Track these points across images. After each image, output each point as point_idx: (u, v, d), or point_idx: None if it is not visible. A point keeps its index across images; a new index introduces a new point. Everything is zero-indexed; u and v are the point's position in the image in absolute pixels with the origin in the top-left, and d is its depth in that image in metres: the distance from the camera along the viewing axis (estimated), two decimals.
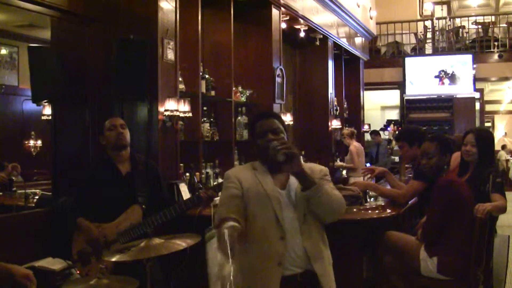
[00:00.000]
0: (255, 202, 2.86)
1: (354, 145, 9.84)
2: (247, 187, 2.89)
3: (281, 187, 2.92)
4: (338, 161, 10.45)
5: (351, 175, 9.65)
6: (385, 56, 16.81)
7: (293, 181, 2.90)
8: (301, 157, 3.11)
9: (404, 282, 4.32)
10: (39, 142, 7.21)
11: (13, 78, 7.86)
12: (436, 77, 15.92)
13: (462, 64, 15.89)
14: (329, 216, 2.90)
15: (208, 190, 4.06)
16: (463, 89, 15.86)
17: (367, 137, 12.88)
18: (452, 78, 15.85)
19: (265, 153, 2.85)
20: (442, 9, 19.03)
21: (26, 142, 7.20)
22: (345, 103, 11.66)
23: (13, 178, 5.93)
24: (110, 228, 4.00)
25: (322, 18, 9.40)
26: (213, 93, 6.35)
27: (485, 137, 4.81)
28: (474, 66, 15.78)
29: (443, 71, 15.83)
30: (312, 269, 2.81)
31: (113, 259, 3.03)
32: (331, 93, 10.13)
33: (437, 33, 17.40)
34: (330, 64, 10.12)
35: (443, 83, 15.89)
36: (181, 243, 3.08)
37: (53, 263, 4.06)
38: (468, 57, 15.94)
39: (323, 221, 2.97)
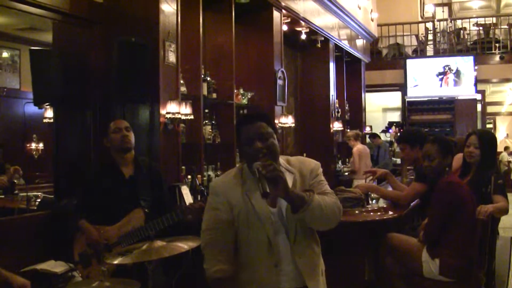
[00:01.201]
0: (246, 227, 2.66)
1: (358, 147, 9.82)
2: (237, 211, 2.66)
3: (272, 205, 2.68)
4: (340, 163, 10.44)
5: (353, 177, 9.64)
6: (386, 58, 16.80)
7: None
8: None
9: (406, 284, 4.31)
10: (41, 145, 7.21)
11: (15, 81, 7.87)
12: (440, 74, 15.87)
13: (463, 66, 15.87)
14: (325, 227, 2.69)
15: (196, 203, 4.02)
16: (465, 90, 15.84)
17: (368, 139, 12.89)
18: (457, 74, 15.81)
19: (251, 163, 2.61)
20: (443, 11, 19.04)
21: (28, 145, 7.20)
22: (347, 105, 11.68)
23: (15, 181, 5.93)
24: (112, 230, 4.00)
25: (323, 20, 9.41)
26: (214, 95, 6.36)
27: (488, 139, 4.81)
28: (476, 67, 15.77)
29: (447, 66, 15.79)
30: None
31: (115, 262, 3.03)
32: (332, 95, 10.14)
33: (438, 34, 17.40)
34: (332, 66, 10.13)
35: (447, 79, 15.83)
36: (183, 246, 3.07)
37: (55, 266, 4.07)
38: (470, 59, 15.92)
39: (320, 229, 2.80)
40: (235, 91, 6.73)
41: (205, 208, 2.82)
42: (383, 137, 13.60)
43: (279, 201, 2.68)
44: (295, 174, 2.75)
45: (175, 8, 5.27)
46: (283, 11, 7.62)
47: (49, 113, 6.05)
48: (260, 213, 2.64)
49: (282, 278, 2.66)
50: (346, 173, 10.07)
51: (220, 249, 2.66)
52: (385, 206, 4.90)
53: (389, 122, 15.54)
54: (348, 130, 11.56)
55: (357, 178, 9.22)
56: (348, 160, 10.84)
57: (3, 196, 5.77)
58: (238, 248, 2.71)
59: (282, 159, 2.78)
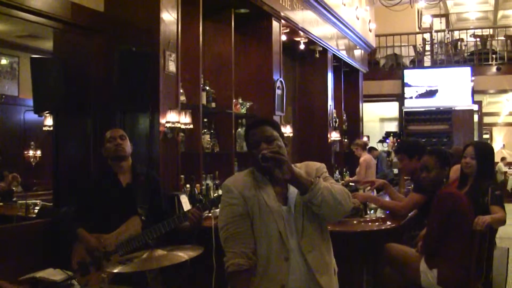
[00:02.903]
0: (259, 221, 2.73)
1: (364, 158, 9.83)
2: (251, 204, 2.74)
3: (283, 202, 2.78)
4: (337, 173, 10.42)
5: (360, 187, 9.59)
6: (384, 68, 16.86)
7: (291, 194, 2.79)
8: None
9: None
10: (38, 153, 7.22)
11: (14, 88, 7.89)
12: None
13: (460, 77, 15.95)
14: (337, 211, 2.72)
15: (194, 211, 4.02)
16: (462, 101, 15.91)
17: None
18: None
19: (259, 165, 2.71)
20: (440, 22, 19.16)
21: (26, 153, 7.21)
22: (344, 115, 11.69)
23: (14, 188, 5.94)
24: (109, 238, 4.01)
25: (322, 30, 9.45)
26: (213, 104, 6.37)
27: (485, 150, 4.84)
28: (473, 78, 15.84)
29: None
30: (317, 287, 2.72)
31: (116, 270, 3.04)
32: (330, 105, 10.16)
33: (436, 45, 17.48)
34: (330, 76, 10.16)
35: None
36: (183, 255, 3.09)
37: (54, 274, 4.06)
38: (467, 70, 16.00)
39: (332, 220, 2.86)
40: (234, 100, 6.75)
41: (220, 208, 2.88)
42: (380, 147, 13.65)
43: (288, 198, 2.79)
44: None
45: (176, 17, 5.28)
46: (282, 21, 7.64)
47: (48, 121, 6.06)
48: (272, 209, 2.72)
49: (293, 276, 2.70)
50: (352, 184, 9.99)
51: (238, 242, 2.72)
52: (383, 216, 4.91)
53: (386, 132, 15.62)
54: (346, 140, 11.59)
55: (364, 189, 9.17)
56: (345, 169, 10.84)
57: (1, 204, 5.78)
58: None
59: None
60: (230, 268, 2.69)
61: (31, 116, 6.22)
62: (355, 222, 4.55)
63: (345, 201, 2.71)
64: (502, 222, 4.44)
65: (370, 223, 4.65)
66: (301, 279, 2.71)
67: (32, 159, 7.20)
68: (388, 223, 4.63)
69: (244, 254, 2.70)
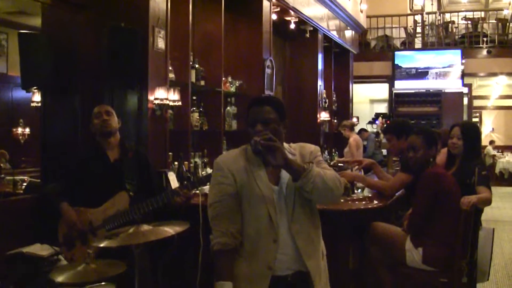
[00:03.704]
0: (248, 201, 2.71)
1: (354, 137, 9.86)
2: (241, 184, 2.71)
3: (275, 183, 2.76)
4: (326, 153, 10.44)
5: (348, 167, 9.61)
6: (374, 50, 16.85)
7: (284, 175, 2.75)
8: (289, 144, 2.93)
9: (390, 272, 4.36)
10: (27, 130, 7.19)
11: (2, 66, 7.82)
12: None
13: (451, 59, 15.97)
14: (328, 198, 2.73)
15: (181, 190, 4.03)
16: (452, 84, 15.95)
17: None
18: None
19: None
20: (432, 4, 19.08)
21: (14, 130, 7.18)
22: (334, 95, 11.69)
23: (1, 165, 5.92)
24: (96, 213, 4.02)
25: (313, 10, 9.42)
26: (202, 83, 6.36)
27: (471, 130, 4.86)
28: (463, 61, 15.87)
29: None
30: (304, 269, 2.71)
31: (102, 245, 3.04)
32: (320, 85, 10.16)
33: (427, 27, 17.46)
34: (320, 56, 10.15)
35: None
36: (170, 230, 3.09)
37: (41, 249, 4.06)
38: (457, 53, 16.02)
39: (325, 203, 2.86)
40: (223, 79, 6.73)
41: (210, 185, 2.85)
42: (369, 128, 13.68)
43: (281, 178, 2.76)
44: (296, 157, 2.82)
45: None
46: (273, 0, 7.62)
47: (36, 97, 6.03)
48: (262, 190, 2.69)
49: (281, 257, 2.69)
50: (341, 164, 10.01)
51: (225, 221, 2.70)
52: (370, 195, 4.94)
53: (376, 113, 15.63)
54: (335, 121, 11.60)
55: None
56: (334, 150, 10.85)
57: None
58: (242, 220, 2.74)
59: (284, 144, 2.82)
60: (216, 246, 2.69)
61: (20, 93, 6.18)
62: (342, 201, 4.56)
63: (336, 188, 2.71)
64: (488, 202, 4.47)
65: (357, 202, 4.67)
66: (288, 261, 2.71)
67: (20, 137, 7.17)
68: (375, 202, 4.65)
69: (230, 234, 2.69)
